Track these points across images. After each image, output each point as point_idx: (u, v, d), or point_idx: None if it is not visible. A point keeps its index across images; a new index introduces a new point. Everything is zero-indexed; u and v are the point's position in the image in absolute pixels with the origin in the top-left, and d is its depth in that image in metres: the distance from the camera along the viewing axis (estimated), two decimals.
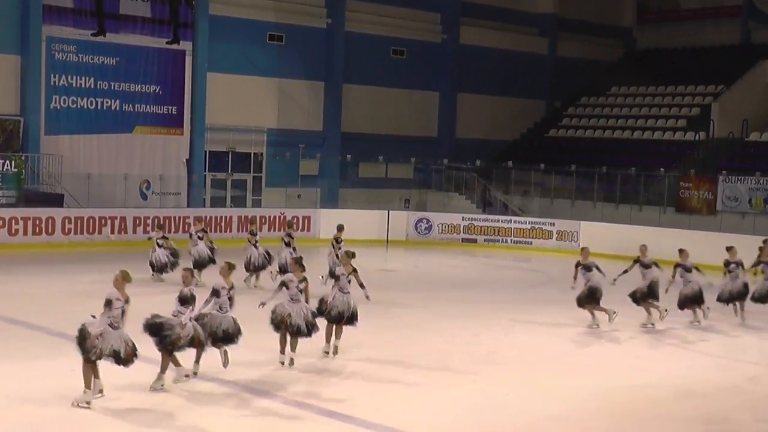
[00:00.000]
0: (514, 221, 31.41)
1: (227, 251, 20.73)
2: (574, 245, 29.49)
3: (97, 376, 11.05)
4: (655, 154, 34.11)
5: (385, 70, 36.45)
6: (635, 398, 12.68)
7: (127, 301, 11.40)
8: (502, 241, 30.88)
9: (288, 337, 13.23)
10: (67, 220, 26.28)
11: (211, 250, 20.87)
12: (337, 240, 20.73)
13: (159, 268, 20.73)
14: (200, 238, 21.06)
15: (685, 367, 14.73)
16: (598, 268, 17.24)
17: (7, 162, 26.96)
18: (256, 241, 20.69)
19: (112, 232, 26.87)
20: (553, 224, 30.49)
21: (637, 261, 17.82)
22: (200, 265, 20.00)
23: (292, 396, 11.90)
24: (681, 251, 18.06)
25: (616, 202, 32.26)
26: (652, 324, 17.56)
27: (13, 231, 25.38)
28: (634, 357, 15.46)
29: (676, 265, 17.77)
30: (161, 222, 23.96)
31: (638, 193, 32.04)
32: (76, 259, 24.05)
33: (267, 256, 20.56)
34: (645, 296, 17.56)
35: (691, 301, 17.68)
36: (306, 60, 34.39)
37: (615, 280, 17.39)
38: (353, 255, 14.61)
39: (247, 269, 20.28)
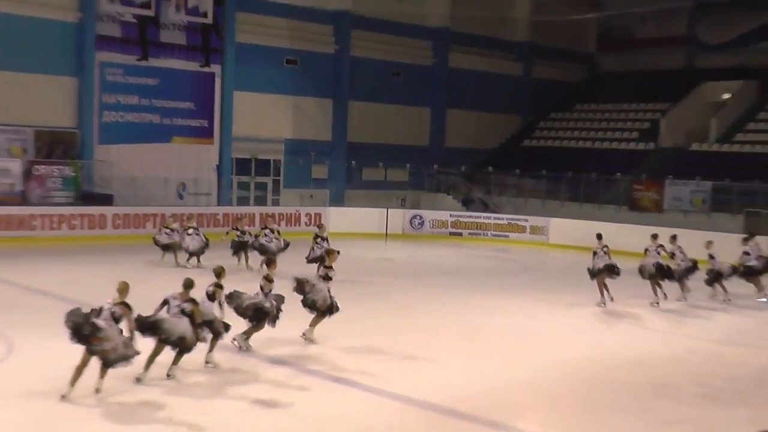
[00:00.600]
0: (494, 218, 31.42)
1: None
2: (545, 238, 29.65)
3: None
4: (613, 161, 34.11)
5: (385, 89, 36.44)
6: (592, 367, 12.78)
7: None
8: (484, 234, 30.91)
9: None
10: (116, 217, 26.34)
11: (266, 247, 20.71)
12: (319, 236, 20.09)
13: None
14: (266, 233, 21.03)
15: (635, 341, 14.81)
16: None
17: (67, 168, 27.11)
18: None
19: (154, 227, 26.86)
20: (527, 220, 30.50)
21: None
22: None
23: (305, 364, 11.99)
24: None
25: (579, 201, 32.24)
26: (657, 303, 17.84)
27: (71, 226, 25.44)
28: (593, 332, 15.56)
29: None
30: (240, 216, 24.43)
31: (598, 194, 32.01)
32: (123, 249, 24.11)
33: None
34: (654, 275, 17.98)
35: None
36: (317, 80, 34.41)
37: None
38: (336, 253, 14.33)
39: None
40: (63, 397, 9.90)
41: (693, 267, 18.67)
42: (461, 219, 31.66)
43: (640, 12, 39.04)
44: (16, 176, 26.23)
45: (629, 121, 37.78)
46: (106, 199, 27.58)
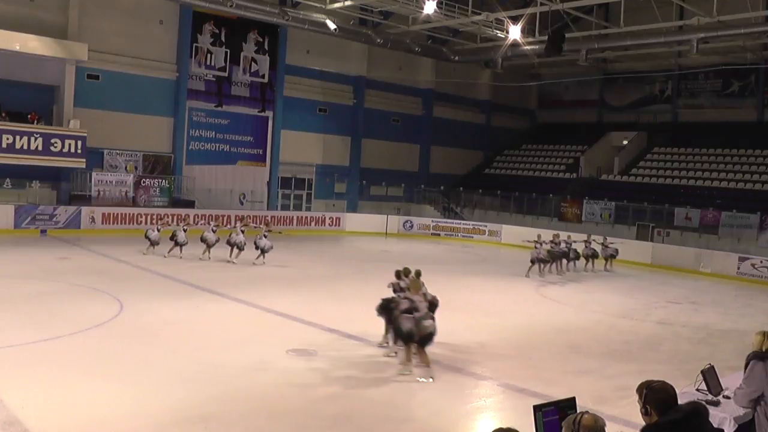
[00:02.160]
0: (462, 223, 31.49)
1: (289, 237, 20.83)
2: (498, 239, 29.67)
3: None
4: (547, 185, 34.15)
5: (387, 131, 36.43)
6: (528, 331, 12.82)
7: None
8: (455, 235, 30.98)
9: None
10: (196, 216, 26.31)
11: None
12: (267, 231, 19.40)
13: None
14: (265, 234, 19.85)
15: (557, 313, 14.87)
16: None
17: (163, 181, 27.14)
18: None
19: (223, 224, 26.83)
20: (486, 226, 30.57)
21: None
22: None
23: (326, 324, 11.99)
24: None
25: (523, 213, 32.23)
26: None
27: (165, 222, 25.42)
28: (529, 306, 15.57)
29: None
30: (268, 219, 23.81)
31: (536, 208, 32.02)
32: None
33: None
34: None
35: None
36: (340, 123, 34.43)
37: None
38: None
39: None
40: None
41: (565, 254, 20.44)
42: (440, 224, 31.71)
43: (566, 81, 39.11)
44: (129, 186, 26.27)
45: (559, 157, 37.80)
46: (190, 204, 27.63)
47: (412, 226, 31.50)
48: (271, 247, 19.28)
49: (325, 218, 30.45)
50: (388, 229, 31.28)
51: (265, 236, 19.33)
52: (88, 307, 12.27)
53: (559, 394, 6.79)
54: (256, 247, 19.00)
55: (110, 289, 13.87)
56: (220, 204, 28.99)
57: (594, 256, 21.39)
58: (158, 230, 20.18)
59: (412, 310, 9.08)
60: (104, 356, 9.36)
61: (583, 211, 30.64)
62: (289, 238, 21.63)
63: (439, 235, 31.17)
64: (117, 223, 24.61)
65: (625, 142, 35.97)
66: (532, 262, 19.46)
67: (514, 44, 27.80)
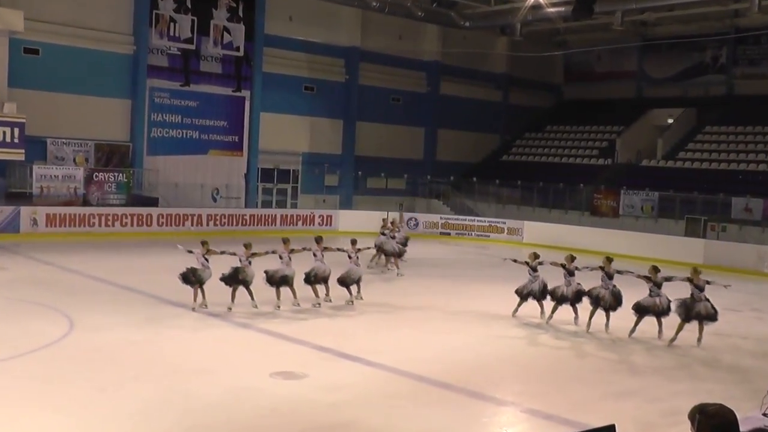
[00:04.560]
0: (477, 220, 31.45)
1: (271, 240, 20.69)
2: (519, 238, 29.65)
3: None
4: (577, 174, 34.13)
5: (386, 112, 36.43)
6: (559, 345, 12.75)
7: None
8: (468, 234, 30.95)
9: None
10: (160, 216, 26.36)
11: None
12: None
13: None
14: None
15: (593, 324, 14.74)
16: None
17: (120, 175, 27.10)
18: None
19: (192, 225, 26.95)
20: (504, 223, 30.52)
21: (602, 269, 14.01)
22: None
23: (317, 342, 11.98)
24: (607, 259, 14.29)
25: (548, 207, 32.20)
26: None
27: (123, 223, 25.49)
28: (559, 316, 15.46)
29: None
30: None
31: (564, 201, 32.02)
32: (167, 244, 23.91)
33: None
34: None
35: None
36: (330, 104, 34.40)
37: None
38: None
39: None
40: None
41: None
42: (450, 221, 31.66)
43: (597, 50, 39.04)
44: (79, 181, 26.20)
45: (590, 140, 37.77)
46: (152, 202, 27.58)
47: (416, 225, 31.46)
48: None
49: (314, 217, 30.41)
50: None
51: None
52: (30, 325, 12.20)
53: (596, 421, 6.70)
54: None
55: (57, 304, 13.81)
56: (189, 201, 28.95)
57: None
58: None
59: None
60: (51, 384, 9.29)
61: (621, 203, 30.60)
62: (276, 241, 21.52)
63: (449, 234, 31.13)
64: (64, 226, 24.53)
65: (669, 121, 35.94)
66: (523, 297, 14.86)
67: (536, 6, 27.74)
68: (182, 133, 30.03)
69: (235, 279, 13.81)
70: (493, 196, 34.47)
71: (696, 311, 12.87)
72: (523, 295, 14.60)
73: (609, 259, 14.21)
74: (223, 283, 13.88)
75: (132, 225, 25.61)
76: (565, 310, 15.01)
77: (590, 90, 40.90)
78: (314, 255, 14.77)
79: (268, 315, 13.77)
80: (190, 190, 29.58)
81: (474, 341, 12.62)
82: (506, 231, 30.24)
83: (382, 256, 20.54)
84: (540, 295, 14.40)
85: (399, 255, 20.27)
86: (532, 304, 14.54)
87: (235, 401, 8.92)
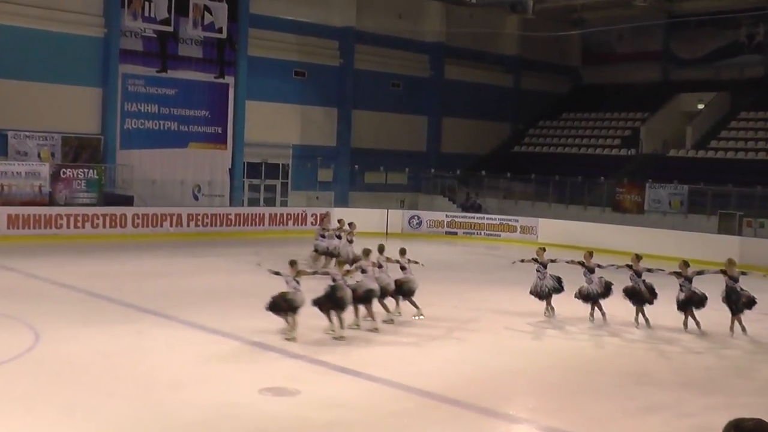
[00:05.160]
0: (486, 218, 31.41)
1: (260, 241, 20.77)
2: (534, 237, 29.59)
3: None
4: (597, 166, 34.12)
5: (385, 99, 36.42)
6: (577, 356, 12.75)
7: None
8: (477, 233, 30.89)
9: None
10: (136, 216, 26.32)
11: None
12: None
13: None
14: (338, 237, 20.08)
15: (616, 331, 14.72)
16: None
17: (91, 171, 27.02)
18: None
19: (171, 225, 26.93)
20: (517, 221, 30.47)
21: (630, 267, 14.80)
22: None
23: (312, 354, 11.94)
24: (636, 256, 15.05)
25: (566, 203, 32.22)
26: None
27: (94, 225, 25.44)
28: (577, 324, 15.43)
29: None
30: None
31: (583, 196, 32.01)
32: (142, 247, 24.11)
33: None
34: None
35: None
36: (323, 91, 34.39)
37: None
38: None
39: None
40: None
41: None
42: (456, 219, 31.62)
43: (618, 29, 39.01)
44: (45, 179, 26.15)
45: (611, 128, 37.76)
46: (127, 200, 27.53)
47: (420, 224, 31.44)
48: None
49: (306, 215, 30.36)
50: (390, 228, 31.20)
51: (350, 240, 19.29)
52: None
53: None
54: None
55: (21, 314, 13.76)
56: (168, 200, 28.92)
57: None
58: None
59: None
60: (16, 401, 9.27)
61: (646, 198, 30.59)
62: (265, 243, 21.53)
63: (455, 234, 31.11)
64: (28, 228, 24.49)
65: (700, 107, 35.93)
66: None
67: None
68: (159, 124, 30.00)
69: (333, 299, 13.10)
70: (505, 192, 34.45)
71: (741, 301, 14.16)
72: (542, 295, 15.29)
73: (638, 257, 14.83)
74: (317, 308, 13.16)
75: (104, 226, 25.55)
76: (575, 313, 15.02)
77: (611, 73, 40.88)
78: (403, 268, 14.96)
79: (255, 325, 13.74)
80: (169, 187, 29.56)
81: (483, 352, 12.61)
82: (519, 230, 30.19)
83: (323, 259, 20.08)
84: (551, 292, 15.21)
85: (353, 262, 19.72)
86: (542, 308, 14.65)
87: (220, 420, 8.89)
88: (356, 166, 34.45)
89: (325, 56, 34.37)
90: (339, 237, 20.13)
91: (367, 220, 30.55)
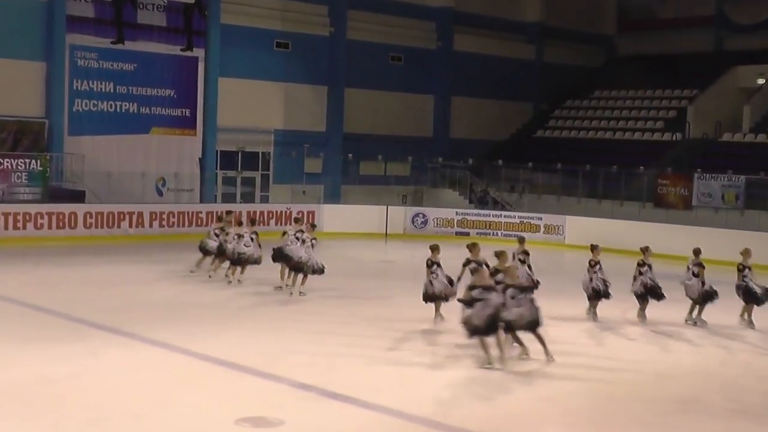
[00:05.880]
0: (504, 215, 31.39)
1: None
2: (560, 238, 29.60)
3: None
4: (635, 153, 34.11)
5: (384, 75, 36.43)
6: (613, 379, 12.71)
7: None
8: (493, 234, 30.84)
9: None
10: (88, 215, 26.29)
11: None
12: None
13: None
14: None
15: (660, 350, 14.74)
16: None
17: (33, 161, 27.00)
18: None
19: (130, 226, 26.92)
20: (540, 218, 30.47)
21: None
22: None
23: (296, 378, 11.93)
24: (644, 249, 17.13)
25: (598, 197, 32.25)
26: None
27: (38, 225, 25.40)
28: (613, 342, 15.44)
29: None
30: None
31: (619, 190, 32.02)
32: (96, 251, 24.07)
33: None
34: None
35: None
36: (310, 65, 34.38)
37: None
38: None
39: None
40: None
41: None
42: (468, 217, 31.61)
43: None
44: None
45: (653, 109, 37.73)
46: (78, 196, 27.52)
47: (425, 222, 31.44)
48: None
49: (291, 213, 30.32)
50: (390, 228, 31.22)
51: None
52: None
53: None
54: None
55: None
56: (126, 196, 28.92)
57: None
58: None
59: None
60: None
61: (695, 191, 30.57)
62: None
63: (467, 234, 31.03)
64: None
65: (760, 82, 35.95)
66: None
67: None
68: (115, 105, 29.99)
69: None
70: (526, 184, 34.44)
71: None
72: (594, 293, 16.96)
73: (696, 251, 16.94)
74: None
75: (50, 227, 25.50)
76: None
77: (652, 43, 40.91)
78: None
79: (229, 343, 13.69)
80: (127, 180, 29.54)
81: (500, 374, 12.54)
82: (543, 229, 30.20)
83: (217, 261, 19.89)
84: (601, 294, 16.86)
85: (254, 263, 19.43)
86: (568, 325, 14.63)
87: None
88: (350, 155, 34.43)
89: (312, 24, 34.36)
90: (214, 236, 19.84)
91: (363, 219, 30.66)
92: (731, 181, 29.94)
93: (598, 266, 16.96)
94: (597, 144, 36.23)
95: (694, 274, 16.62)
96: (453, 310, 15.35)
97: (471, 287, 12.90)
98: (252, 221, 21.15)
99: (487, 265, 14.60)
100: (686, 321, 16.81)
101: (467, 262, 15.36)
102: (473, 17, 37.97)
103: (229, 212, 21.28)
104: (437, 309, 15.91)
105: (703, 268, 16.65)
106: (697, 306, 16.74)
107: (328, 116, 35.22)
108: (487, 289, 12.85)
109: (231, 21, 31.87)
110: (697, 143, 34.44)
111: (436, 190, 35.78)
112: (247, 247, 18.93)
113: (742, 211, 29.16)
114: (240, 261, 19.01)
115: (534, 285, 15.78)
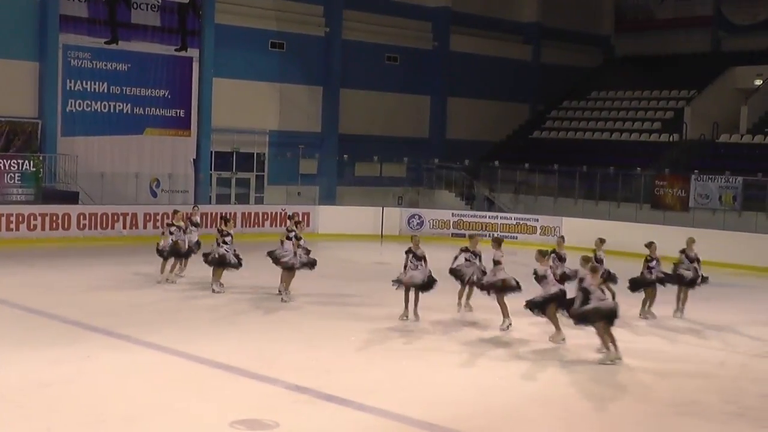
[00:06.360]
0: (501, 217, 31.40)
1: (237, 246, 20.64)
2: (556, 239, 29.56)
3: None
4: (632, 154, 34.13)
5: (380, 76, 36.43)
6: (608, 381, 12.71)
7: None
8: (489, 235, 30.80)
9: None
10: (81, 216, 26.26)
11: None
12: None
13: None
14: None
15: (656, 352, 14.72)
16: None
17: (26, 162, 26.98)
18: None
19: (124, 227, 26.90)
20: (537, 220, 30.48)
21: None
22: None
23: (291, 380, 11.93)
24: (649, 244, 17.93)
25: (595, 199, 32.27)
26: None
27: (31, 226, 25.36)
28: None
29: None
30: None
31: (616, 191, 32.02)
32: (90, 253, 24.03)
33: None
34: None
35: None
36: (305, 66, 34.38)
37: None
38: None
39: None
40: None
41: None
42: (464, 219, 31.62)
43: None
44: None
45: (650, 110, 37.75)
46: (71, 197, 27.49)
47: (421, 224, 31.43)
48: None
49: (285, 214, 30.31)
50: (385, 229, 31.20)
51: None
52: None
53: None
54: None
55: None
56: (120, 197, 28.89)
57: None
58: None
59: None
60: None
61: (692, 192, 30.58)
62: (239, 247, 21.36)
63: (463, 236, 30.99)
64: None
65: (758, 83, 35.98)
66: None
67: None
68: (109, 106, 29.97)
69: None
70: (523, 185, 34.45)
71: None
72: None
73: (691, 240, 18.27)
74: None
75: (43, 228, 25.47)
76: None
77: (650, 43, 40.95)
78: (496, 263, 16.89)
79: (223, 346, 13.69)
80: (121, 181, 29.52)
81: (497, 376, 12.57)
82: (539, 230, 30.23)
83: (178, 265, 19.86)
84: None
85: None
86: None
87: None
88: (345, 156, 34.45)
89: (307, 24, 34.36)
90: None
91: (359, 220, 30.65)
92: (728, 182, 29.96)
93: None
94: (594, 145, 36.25)
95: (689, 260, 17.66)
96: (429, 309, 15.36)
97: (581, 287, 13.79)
98: (190, 219, 20.74)
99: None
100: (674, 314, 17.62)
101: (465, 249, 17.83)
102: (470, 17, 38.00)
103: (176, 212, 21.09)
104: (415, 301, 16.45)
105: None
106: (650, 300, 17.44)
107: (324, 117, 35.23)
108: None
109: (225, 21, 31.89)
110: (695, 144, 34.47)
111: (432, 191, 35.78)
112: (224, 247, 18.54)
113: (740, 212, 29.18)
114: (222, 263, 18.59)
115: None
